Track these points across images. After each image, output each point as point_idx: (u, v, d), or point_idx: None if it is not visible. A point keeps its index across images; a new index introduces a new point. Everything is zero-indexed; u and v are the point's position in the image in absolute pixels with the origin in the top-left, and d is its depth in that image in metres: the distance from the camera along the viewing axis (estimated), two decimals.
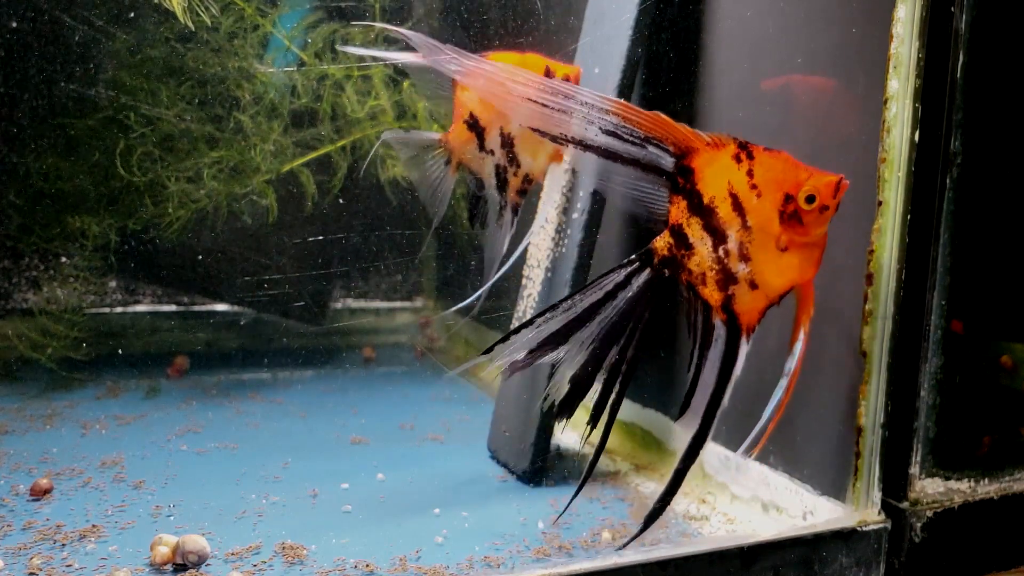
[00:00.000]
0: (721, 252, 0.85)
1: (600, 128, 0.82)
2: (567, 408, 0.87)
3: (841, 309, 1.00)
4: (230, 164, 1.56)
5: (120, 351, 1.78)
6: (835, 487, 1.01)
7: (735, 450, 1.14)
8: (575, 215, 1.23)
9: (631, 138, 0.83)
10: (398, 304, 2.16)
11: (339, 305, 2.07)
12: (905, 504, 1.01)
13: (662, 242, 0.86)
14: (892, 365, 0.98)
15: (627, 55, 1.19)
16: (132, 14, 1.54)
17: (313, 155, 1.64)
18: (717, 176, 0.83)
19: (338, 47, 1.61)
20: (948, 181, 0.98)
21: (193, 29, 1.35)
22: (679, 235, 0.86)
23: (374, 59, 1.60)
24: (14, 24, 1.53)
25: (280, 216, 1.62)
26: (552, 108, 0.82)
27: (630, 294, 0.86)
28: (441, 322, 2.09)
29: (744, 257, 0.85)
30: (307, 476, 1.21)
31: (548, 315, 0.84)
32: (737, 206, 0.83)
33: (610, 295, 0.85)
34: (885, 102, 0.95)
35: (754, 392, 0.95)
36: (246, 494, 1.14)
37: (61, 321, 1.55)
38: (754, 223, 0.84)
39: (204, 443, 1.35)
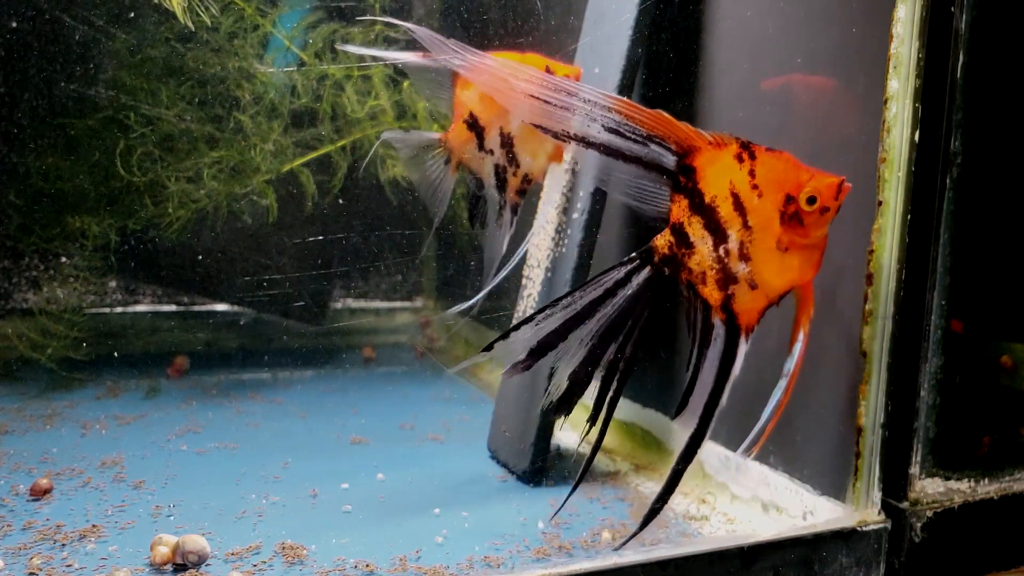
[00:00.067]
0: (721, 251, 0.85)
1: (602, 125, 0.82)
2: (565, 405, 0.87)
3: (841, 309, 1.00)
4: (230, 164, 1.56)
5: (120, 351, 1.78)
6: (835, 487, 1.01)
7: (735, 450, 1.14)
8: (575, 215, 1.23)
9: (633, 136, 0.83)
10: (398, 304, 2.16)
11: (339, 305, 2.07)
12: (905, 504, 1.01)
13: (663, 240, 0.86)
14: (892, 365, 0.98)
15: (627, 55, 1.19)
16: (132, 14, 1.54)
17: (313, 155, 1.64)
18: (719, 175, 0.83)
19: (338, 47, 1.61)
20: (948, 181, 0.98)
21: (193, 29, 1.36)
22: (680, 234, 0.85)
23: (374, 59, 1.60)
24: (14, 24, 1.53)
25: (280, 216, 1.61)
26: (555, 105, 0.81)
27: (630, 292, 0.85)
28: (441, 322, 2.09)
29: (744, 257, 0.84)
30: (307, 476, 1.21)
31: (548, 311, 0.84)
32: (738, 206, 0.83)
33: (610, 292, 0.85)
34: (885, 102, 0.95)
35: (754, 392, 0.95)
36: (246, 494, 1.14)
37: (61, 321, 1.55)
38: (755, 223, 0.84)
39: (204, 443, 1.35)
